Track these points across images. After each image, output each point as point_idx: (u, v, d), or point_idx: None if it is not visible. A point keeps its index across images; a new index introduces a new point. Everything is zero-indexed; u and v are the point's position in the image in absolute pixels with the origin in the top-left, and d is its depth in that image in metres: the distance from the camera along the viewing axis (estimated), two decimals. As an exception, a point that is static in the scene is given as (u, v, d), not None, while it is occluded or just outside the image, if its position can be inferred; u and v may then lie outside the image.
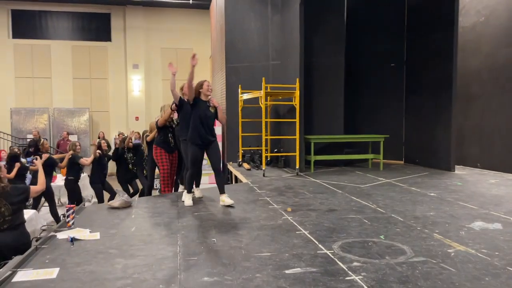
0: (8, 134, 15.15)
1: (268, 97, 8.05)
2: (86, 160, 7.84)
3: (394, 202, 5.26)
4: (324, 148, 8.50)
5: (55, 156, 8.04)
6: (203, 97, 5.17)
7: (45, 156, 7.56)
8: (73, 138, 15.04)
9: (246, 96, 8.41)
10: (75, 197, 7.83)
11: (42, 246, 3.61)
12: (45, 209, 9.46)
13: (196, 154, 5.18)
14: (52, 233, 3.99)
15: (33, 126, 15.13)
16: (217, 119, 5.38)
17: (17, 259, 3.24)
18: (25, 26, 16.11)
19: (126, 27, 16.51)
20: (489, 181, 6.80)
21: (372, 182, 6.73)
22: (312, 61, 8.65)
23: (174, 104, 5.69)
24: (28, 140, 14.17)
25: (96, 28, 16.70)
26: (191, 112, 5.23)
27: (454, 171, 7.71)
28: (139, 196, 8.08)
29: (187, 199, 5.28)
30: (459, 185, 6.43)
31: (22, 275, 2.96)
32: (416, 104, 8.71)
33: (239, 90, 8.64)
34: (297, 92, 7.50)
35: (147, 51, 16.76)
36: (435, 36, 8.07)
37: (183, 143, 5.65)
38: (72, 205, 4.40)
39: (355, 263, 3.10)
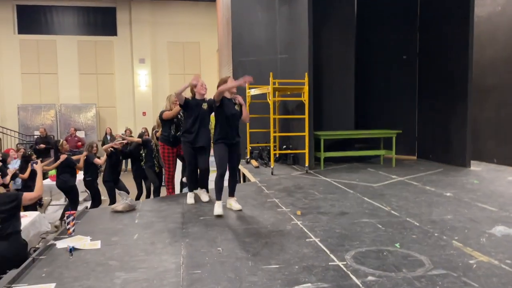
0: (15, 131, 15.10)
1: (276, 93, 7.81)
2: (100, 160, 7.79)
3: (409, 203, 5.02)
4: (334, 144, 8.24)
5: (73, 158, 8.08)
6: (227, 95, 4.87)
7: (63, 157, 7.52)
8: (80, 134, 14.98)
9: (253, 91, 8.18)
10: (95, 195, 7.74)
11: (40, 257, 3.45)
12: (51, 208, 9.40)
13: (224, 153, 4.82)
14: (51, 242, 3.84)
15: (40, 123, 15.06)
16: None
17: (12, 273, 3.08)
18: (31, 21, 15.97)
19: (132, 21, 16.30)
20: (507, 179, 6.53)
21: (385, 181, 6.48)
22: (321, 54, 8.37)
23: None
24: (35, 137, 14.10)
25: (102, 23, 16.51)
26: (202, 112, 5.25)
27: (469, 167, 7.43)
28: (153, 193, 7.91)
29: (217, 206, 4.76)
30: (476, 183, 6.17)
31: (15, 293, 2.80)
32: (430, 97, 8.40)
33: (246, 85, 8.39)
34: (306, 87, 7.25)
35: (154, 45, 16.56)
36: (449, 26, 7.73)
37: (183, 144, 5.40)
38: (72, 212, 4.24)
39: (369, 277, 2.89)
